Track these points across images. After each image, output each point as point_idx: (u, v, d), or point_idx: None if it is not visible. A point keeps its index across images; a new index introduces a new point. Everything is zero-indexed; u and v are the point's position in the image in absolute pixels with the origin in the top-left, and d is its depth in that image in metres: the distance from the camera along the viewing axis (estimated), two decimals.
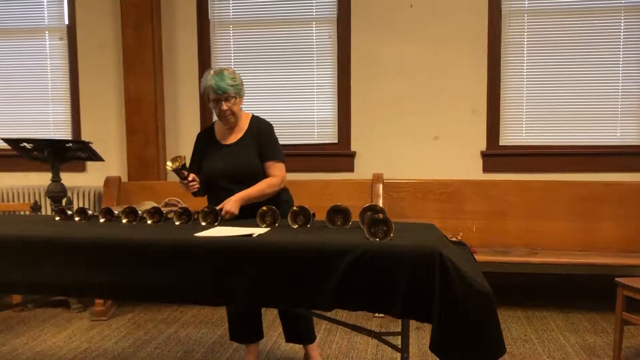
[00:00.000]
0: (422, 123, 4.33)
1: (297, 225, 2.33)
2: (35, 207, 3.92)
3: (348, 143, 4.42)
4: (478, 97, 4.27)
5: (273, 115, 4.49)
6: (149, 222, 2.48)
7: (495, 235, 4.00)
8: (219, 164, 2.68)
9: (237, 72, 2.72)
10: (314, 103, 4.44)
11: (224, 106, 2.64)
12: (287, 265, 1.94)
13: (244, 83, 2.74)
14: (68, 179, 4.20)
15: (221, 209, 2.50)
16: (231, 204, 2.54)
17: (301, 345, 2.98)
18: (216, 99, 2.64)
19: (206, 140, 2.81)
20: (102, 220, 2.54)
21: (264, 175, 2.70)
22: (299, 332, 2.89)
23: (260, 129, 2.76)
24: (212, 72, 2.67)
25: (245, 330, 2.89)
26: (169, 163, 2.65)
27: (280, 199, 2.72)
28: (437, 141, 4.33)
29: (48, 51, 4.74)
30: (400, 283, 1.85)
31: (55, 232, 2.26)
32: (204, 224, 2.40)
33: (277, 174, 2.71)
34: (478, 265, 2.19)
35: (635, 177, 4.07)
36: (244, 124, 2.78)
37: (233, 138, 2.75)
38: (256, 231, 2.16)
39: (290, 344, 3.10)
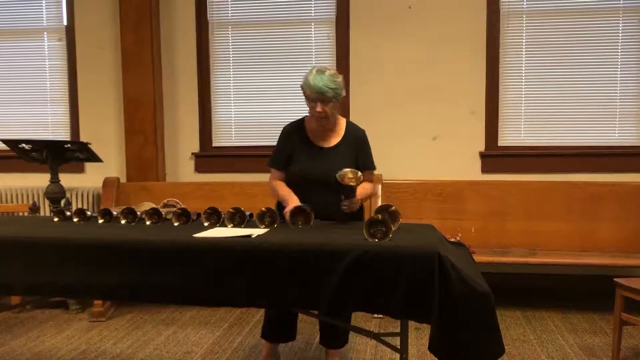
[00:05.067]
0: (421, 123, 4.33)
1: (295, 226, 2.33)
2: (34, 208, 3.91)
3: None
4: (477, 98, 4.27)
5: (272, 116, 4.52)
6: (148, 223, 2.48)
7: (494, 235, 4.00)
8: (318, 167, 2.62)
9: (338, 73, 2.61)
10: None
11: (319, 107, 2.56)
12: (286, 266, 1.94)
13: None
14: (67, 180, 4.19)
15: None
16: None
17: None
18: (312, 99, 2.58)
19: (298, 137, 2.72)
20: (100, 221, 2.54)
21: None
22: (331, 336, 2.86)
23: (358, 136, 2.75)
24: (314, 70, 2.59)
25: (281, 330, 2.86)
26: (350, 175, 2.42)
27: (362, 207, 2.74)
28: (436, 142, 4.34)
29: (47, 52, 4.73)
30: (399, 284, 1.85)
31: (54, 233, 2.26)
32: (206, 224, 2.40)
33: (372, 182, 2.79)
34: (477, 266, 2.19)
35: (633, 178, 4.08)
36: (340, 128, 2.73)
37: (330, 141, 2.71)
38: (255, 232, 2.17)
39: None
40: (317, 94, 2.53)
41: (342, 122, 2.77)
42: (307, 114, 2.75)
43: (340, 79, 2.59)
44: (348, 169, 2.43)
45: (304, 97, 2.65)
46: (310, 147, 2.69)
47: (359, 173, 2.44)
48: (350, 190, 2.45)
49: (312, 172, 2.63)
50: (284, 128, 2.80)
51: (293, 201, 2.54)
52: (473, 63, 4.25)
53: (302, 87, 2.63)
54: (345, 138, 2.72)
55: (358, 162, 2.71)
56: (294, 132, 2.75)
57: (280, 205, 2.69)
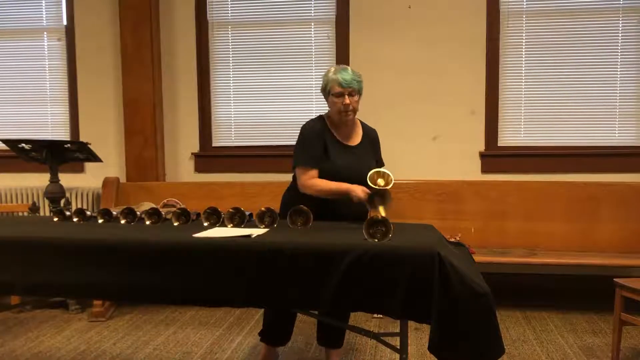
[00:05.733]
0: (421, 124, 4.33)
1: (295, 226, 2.33)
2: (34, 208, 3.91)
3: None
4: (476, 98, 4.27)
5: (272, 116, 4.53)
6: (148, 222, 2.47)
7: (494, 236, 4.00)
8: (350, 165, 2.64)
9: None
10: (312, 103, 4.43)
11: (347, 100, 2.62)
12: (285, 265, 1.94)
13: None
14: (66, 179, 4.20)
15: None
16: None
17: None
18: (340, 93, 2.62)
19: (326, 136, 2.70)
20: (100, 221, 2.53)
21: None
22: (331, 336, 2.87)
23: (374, 136, 2.85)
24: (333, 68, 2.68)
25: (281, 332, 2.87)
26: (380, 181, 2.46)
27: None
28: (436, 142, 4.34)
29: (46, 52, 4.73)
30: (399, 284, 1.85)
31: (54, 233, 2.26)
32: (206, 224, 2.40)
33: None
34: (477, 266, 2.19)
35: (633, 178, 4.08)
36: (358, 126, 2.82)
37: (354, 140, 2.76)
38: (255, 232, 2.16)
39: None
40: (346, 86, 2.61)
41: (358, 121, 2.84)
42: (322, 114, 2.78)
43: (359, 73, 2.70)
44: (376, 171, 2.49)
45: (325, 97, 2.70)
46: (339, 146, 2.70)
47: (390, 176, 2.48)
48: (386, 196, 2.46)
49: (349, 170, 2.64)
50: (309, 127, 2.73)
51: (356, 187, 2.51)
52: (473, 63, 4.25)
53: (324, 86, 2.68)
54: (364, 136, 2.80)
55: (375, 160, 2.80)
56: (321, 130, 2.71)
57: (290, 200, 2.67)
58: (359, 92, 2.68)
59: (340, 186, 2.57)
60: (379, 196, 2.45)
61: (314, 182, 2.63)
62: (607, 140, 4.19)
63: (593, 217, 3.94)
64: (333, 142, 2.69)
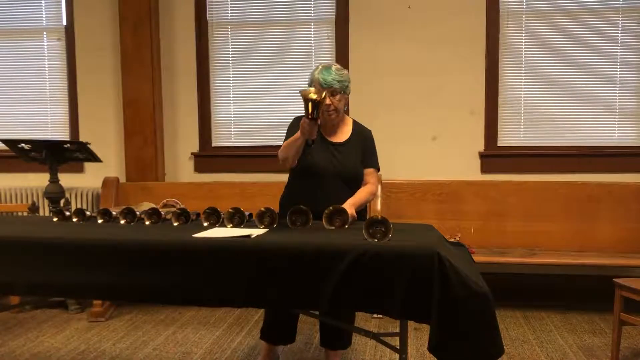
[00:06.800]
0: (420, 124, 4.33)
1: (295, 226, 2.33)
2: (33, 208, 3.91)
3: None
4: (476, 98, 4.27)
5: (272, 116, 4.53)
6: (147, 223, 2.48)
7: (494, 236, 4.01)
8: (329, 161, 2.65)
9: (344, 70, 2.68)
10: None
11: (328, 100, 2.61)
12: (285, 266, 1.94)
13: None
14: (66, 179, 4.19)
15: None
16: (351, 211, 2.47)
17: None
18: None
19: None
20: (100, 221, 2.53)
21: (362, 179, 2.73)
22: (330, 336, 2.85)
23: (366, 135, 2.80)
24: (320, 66, 2.66)
25: (281, 331, 2.86)
26: (313, 95, 2.37)
27: (366, 207, 2.77)
28: (436, 142, 4.34)
29: (46, 52, 4.73)
30: (399, 284, 1.85)
31: (53, 233, 2.26)
32: (205, 224, 2.40)
33: (375, 183, 2.77)
34: (476, 266, 2.19)
35: (633, 178, 4.08)
36: (347, 125, 2.79)
37: (340, 137, 2.75)
38: (254, 232, 2.16)
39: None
40: (326, 87, 2.58)
41: (349, 120, 2.82)
42: None
43: (345, 72, 2.67)
44: (312, 88, 2.45)
45: None
46: (321, 141, 2.70)
47: (324, 93, 2.42)
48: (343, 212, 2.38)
49: (322, 165, 2.64)
50: (294, 119, 2.79)
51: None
52: (473, 63, 4.26)
53: (309, 84, 2.68)
54: (353, 135, 2.76)
55: (363, 160, 2.74)
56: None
57: (286, 202, 2.69)
58: (343, 92, 2.65)
59: (294, 136, 2.56)
60: (312, 102, 2.37)
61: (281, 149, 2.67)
62: (607, 140, 4.19)
63: (592, 217, 3.94)
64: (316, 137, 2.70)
